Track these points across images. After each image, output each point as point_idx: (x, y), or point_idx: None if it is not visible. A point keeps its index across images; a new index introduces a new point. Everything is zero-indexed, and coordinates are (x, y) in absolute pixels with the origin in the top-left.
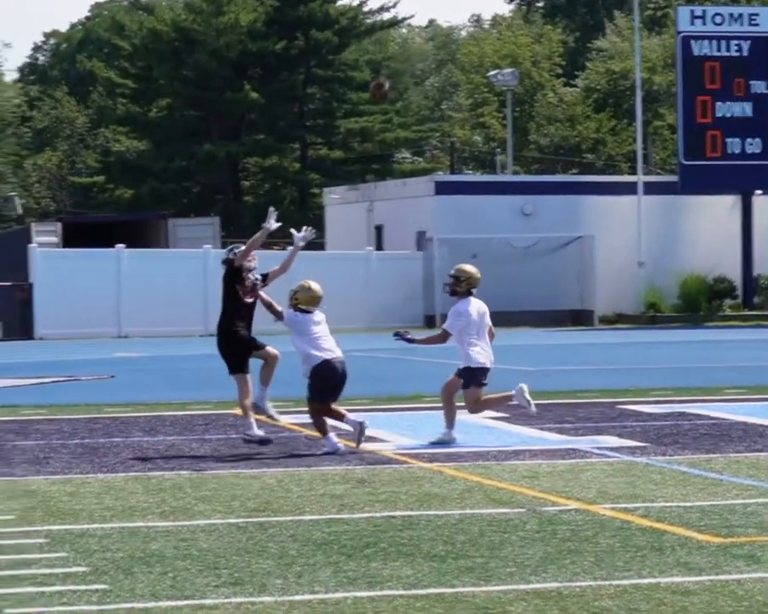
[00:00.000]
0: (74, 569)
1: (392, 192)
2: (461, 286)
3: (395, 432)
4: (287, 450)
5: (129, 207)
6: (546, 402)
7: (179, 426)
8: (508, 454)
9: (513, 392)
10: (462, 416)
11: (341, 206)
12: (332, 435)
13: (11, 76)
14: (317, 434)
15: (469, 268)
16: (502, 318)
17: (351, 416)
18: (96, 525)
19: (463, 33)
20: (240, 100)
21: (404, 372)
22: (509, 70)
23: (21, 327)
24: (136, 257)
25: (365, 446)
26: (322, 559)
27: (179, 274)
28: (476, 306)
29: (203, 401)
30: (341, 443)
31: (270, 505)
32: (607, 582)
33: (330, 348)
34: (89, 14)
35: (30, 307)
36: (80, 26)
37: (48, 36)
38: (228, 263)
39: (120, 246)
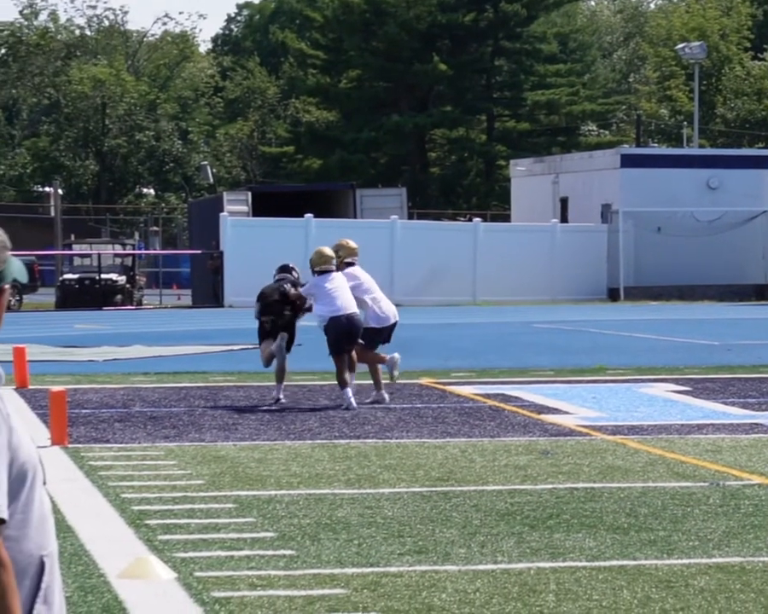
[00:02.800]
0: (262, 534)
1: (577, 164)
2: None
3: (578, 404)
4: (470, 421)
5: (317, 177)
6: (729, 376)
7: (364, 395)
8: (691, 427)
9: (386, 358)
10: (647, 390)
11: (527, 178)
12: (349, 390)
13: (205, 47)
14: (500, 405)
15: (342, 242)
16: (685, 292)
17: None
18: (283, 491)
19: (652, 6)
20: (428, 71)
21: (588, 344)
22: (696, 43)
23: (211, 294)
24: (324, 226)
25: (548, 417)
26: (506, 530)
27: (367, 244)
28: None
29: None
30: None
31: (453, 474)
32: None
33: (342, 305)
34: None
35: (220, 275)
36: None
37: (241, 7)
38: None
39: (309, 215)
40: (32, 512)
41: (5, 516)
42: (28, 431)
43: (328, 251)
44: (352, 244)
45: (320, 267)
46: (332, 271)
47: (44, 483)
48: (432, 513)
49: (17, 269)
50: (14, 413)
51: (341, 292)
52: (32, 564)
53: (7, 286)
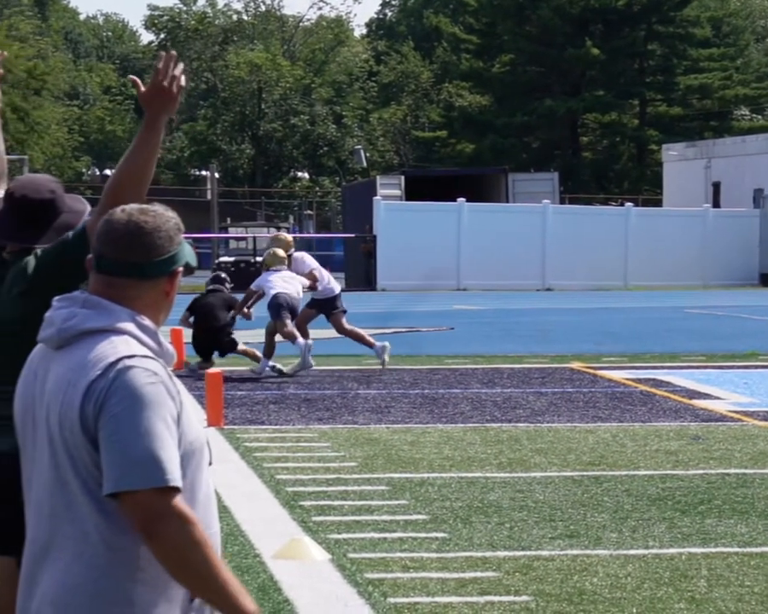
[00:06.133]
0: (414, 516)
1: (730, 149)
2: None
3: (730, 390)
4: (620, 405)
5: (470, 162)
6: None
7: (516, 379)
8: None
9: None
10: None
11: (679, 163)
12: (301, 340)
13: (360, 31)
14: (651, 390)
15: (274, 249)
16: None
17: (300, 340)
18: (435, 474)
19: None
20: (581, 56)
21: (740, 329)
22: None
23: (364, 278)
24: (476, 210)
25: (699, 403)
26: (657, 515)
27: (518, 228)
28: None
29: (540, 354)
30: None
31: (605, 459)
32: None
33: (282, 287)
34: None
35: (373, 258)
36: None
37: None
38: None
39: (461, 199)
40: (199, 491)
41: (179, 484)
42: (196, 412)
43: (282, 253)
44: (280, 252)
45: (274, 267)
46: (282, 270)
47: (210, 464)
48: (583, 498)
49: (189, 252)
50: (184, 391)
51: (285, 282)
52: None
53: (180, 269)
